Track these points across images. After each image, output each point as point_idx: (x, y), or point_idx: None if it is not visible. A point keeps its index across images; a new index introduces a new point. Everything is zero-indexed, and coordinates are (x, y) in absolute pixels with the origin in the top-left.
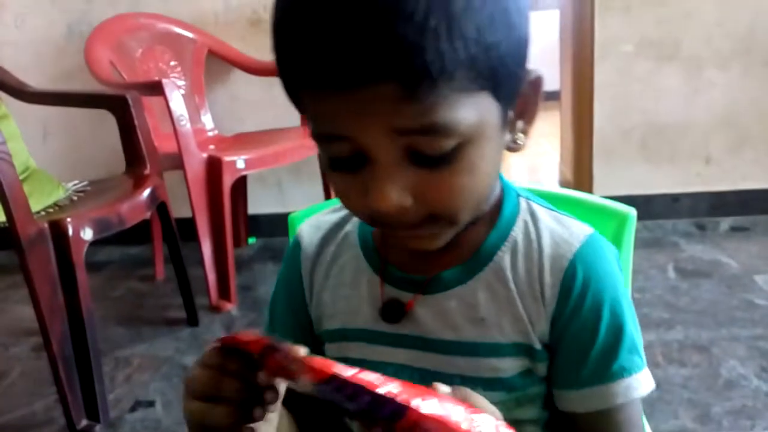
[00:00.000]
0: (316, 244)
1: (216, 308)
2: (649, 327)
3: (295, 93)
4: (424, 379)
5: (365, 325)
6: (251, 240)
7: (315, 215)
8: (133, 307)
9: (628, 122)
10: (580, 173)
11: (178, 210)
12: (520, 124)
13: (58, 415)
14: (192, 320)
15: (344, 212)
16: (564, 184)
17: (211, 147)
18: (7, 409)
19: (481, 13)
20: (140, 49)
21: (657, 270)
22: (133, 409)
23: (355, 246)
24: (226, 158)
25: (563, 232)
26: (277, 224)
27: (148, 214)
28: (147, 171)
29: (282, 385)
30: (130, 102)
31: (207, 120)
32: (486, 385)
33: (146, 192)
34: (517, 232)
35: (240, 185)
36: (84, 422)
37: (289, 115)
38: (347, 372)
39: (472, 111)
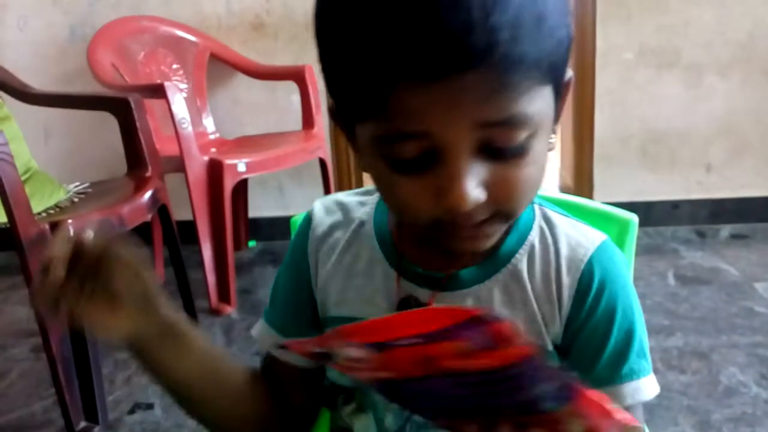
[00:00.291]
0: (327, 224)
1: (216, 311)
2: (649, 333)
3: (376, 89)
4: None
5: (377, 316)
6: (251, 243)
7: (335, 194)
8: None
9: (629, 129)
10: (581, 179)
11: (179, 213)
12: None
13: (56, 416)
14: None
15: (364, 198)
16: (564, 189)
17: (213, 150)
18: (6, 410)
19: (557, 8)
20: (142, 51)
21: (657, 277)
22: (131, 411)
23: (370, 237)
24: (227, 161)
25: (579, 236)
26: (278, 227)
27: (148, 217)
28: (148, 173)
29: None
30: (132, 104)
31: (208, 123)
32: None
33: (147, 194)
34: (534, 237)
35: (241, 188)
36: (82, 424)
37: (291, 119)
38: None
39: (542, 103)
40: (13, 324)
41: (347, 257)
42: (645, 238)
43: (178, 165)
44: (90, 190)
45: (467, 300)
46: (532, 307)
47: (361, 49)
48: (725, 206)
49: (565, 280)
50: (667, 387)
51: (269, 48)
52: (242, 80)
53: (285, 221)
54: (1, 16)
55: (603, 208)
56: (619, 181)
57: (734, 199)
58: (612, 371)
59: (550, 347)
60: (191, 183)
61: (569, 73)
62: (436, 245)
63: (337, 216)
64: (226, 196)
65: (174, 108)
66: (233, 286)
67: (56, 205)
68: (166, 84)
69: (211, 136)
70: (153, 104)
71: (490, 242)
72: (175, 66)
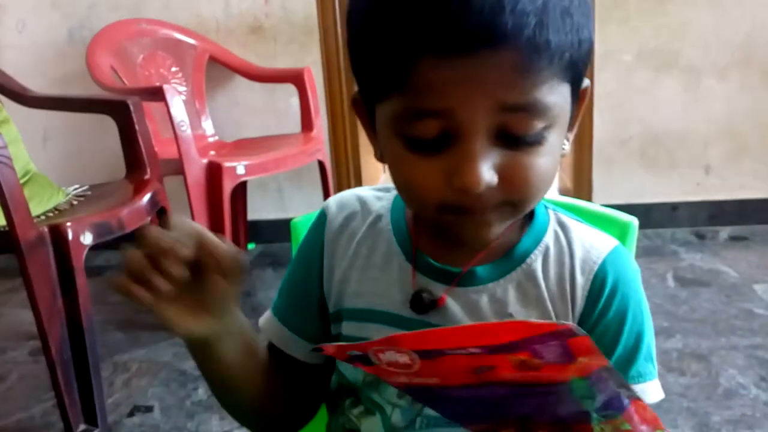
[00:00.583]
0: (343, 216)
1: None
2: None
3: (402, 61)
4: None
5: (392, 309)
6: (251, 246)
7: (354, 189)
8: (132, 312)
9: (628, 131)
10: (580, 181)
11: (178, 215)
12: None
13: (55, 419)
14: None
15: (381, 194)
16: (563, 191)
17: (212, 153)
18: (5, 413)
19: (581, 9)
20: (141, 54)
21: (656, 279)
22: (131, 414)
23: (387, 230)
24: (226, 164)
25: (593, 239)
26: (277, 230)
27: (148, 219)
28: (147, 176)
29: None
30: (131, 107)
31: (207, 126)
32: None
33: (146, 197)
34: (549, 239)
35: (240, 191)
36: (82, 427)
37: (290, 122)
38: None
39: (561, 97)
40: (13, 327)
41: (364, 249)
42: (644, 240)
43: (177, 168)
44: (89, 192)
45: (482, 297)
46: (546, 306)
47: (389, 21)
48: (724, 208)
49: (579, 280)
50: (667, 389)
51: (268, 51)
52: (241, 83)
53: (284, 224)
54: (0, 19)
55: (603, 211)
56: (618, 183)
57: (733, 200)
58: (619, 373)
59: None
60: (190, 186)
61: (587, 81)
62: (447, 236)
63: (354, 208)
64: (225, 199)
65: (173, 111)
66: None
67: (55, 208)
68: (165, 87)
69: (210, 139)
70: (152, 107)
71: (495, 233)
72: (174, 69)
